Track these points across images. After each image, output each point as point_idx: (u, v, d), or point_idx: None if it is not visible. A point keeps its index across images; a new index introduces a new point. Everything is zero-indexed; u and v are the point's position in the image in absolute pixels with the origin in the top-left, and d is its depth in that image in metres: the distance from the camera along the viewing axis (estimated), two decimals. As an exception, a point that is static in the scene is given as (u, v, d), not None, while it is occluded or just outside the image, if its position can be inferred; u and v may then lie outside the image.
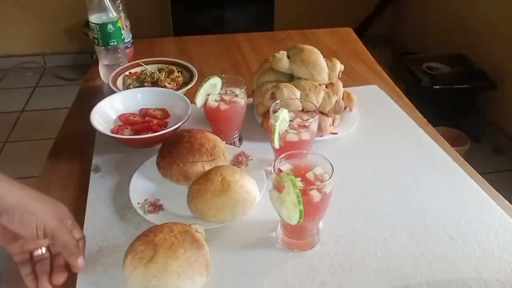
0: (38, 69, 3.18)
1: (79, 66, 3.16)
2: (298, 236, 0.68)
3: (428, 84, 2.32)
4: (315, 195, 0.61)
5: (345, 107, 0.99)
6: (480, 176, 0.84)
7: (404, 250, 0.68)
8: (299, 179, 0.64)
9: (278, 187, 0.61)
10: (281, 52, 0.96)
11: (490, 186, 0.81)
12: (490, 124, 2.44)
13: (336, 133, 0.94)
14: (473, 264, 0.66)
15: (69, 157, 0.92)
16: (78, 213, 0.76)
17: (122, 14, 1.18)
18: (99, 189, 0.81)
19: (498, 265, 0.65)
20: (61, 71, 3.13)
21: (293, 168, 0.66)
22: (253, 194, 0.72)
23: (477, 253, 0.67)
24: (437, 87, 2.30)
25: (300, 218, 0.58)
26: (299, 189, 0.58)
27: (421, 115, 1.05)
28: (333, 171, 0.62)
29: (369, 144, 0.93)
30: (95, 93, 1.16)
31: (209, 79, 0.85)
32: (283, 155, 0.66)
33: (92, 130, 0.93)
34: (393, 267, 0.65)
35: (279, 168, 0.65)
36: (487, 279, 0.63)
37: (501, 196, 0.79)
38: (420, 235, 0.70)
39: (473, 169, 0.86)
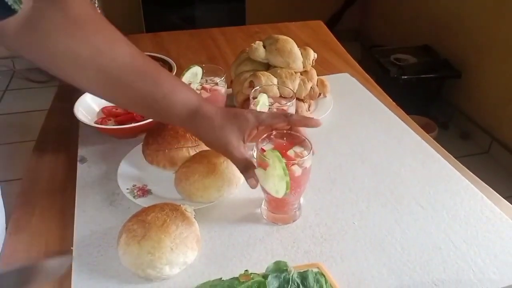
0: (7, 72, 3.12)
1: (50, 68, 3.12)
2: (281, 210, 0.72)
3: (397, 75, 2.41)
4: (297, 169, 0.66)
5: (319, 94, 1.04)
6: (446, 151, 0.90)
7: (380, 219, 0.73)
8: None
9: (263, 165, 0.66)
10: (257, 42, 1.00)
11: (455, 160, 0.88)
12: (456, 111, 2.56)
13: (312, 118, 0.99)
14: (442, 229, 0.72)
15: (54, 150, 0.93)
16: (68, 201, 0.78)
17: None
18: (87, 178, 0.83)
19: (464, 228, 0.72)
20: (31, 74, 3.08)
21: (274, 147, 0.70)
22: (237, 174, 0.76)
23: (446, 219, 0.74)
24: (405, 77, 2.40)
25: (287, 189, 0.62)
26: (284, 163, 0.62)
27: (390, 99, 1.11)
28: (311, 146, 0.67)
29: (343, 126, 0.99)
30: (74, 89, 1.17)
31: (190, 68, 0.88)
32: (264, 135, 0.70)
33: (75, 124, 0.96)
34: (370, 235, 0.70)
35: (262, 148, 0.69)
36: (455, 240, 0.69)
37: (466, 168, 0.86)
38: (393, 205, 0.76)
39: (439, 145, 0.92)
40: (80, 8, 0.60)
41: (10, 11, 0.53)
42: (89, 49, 0.60)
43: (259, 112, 0.72)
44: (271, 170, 0.64)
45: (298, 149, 0.70)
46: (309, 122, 0.70)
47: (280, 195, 0.64)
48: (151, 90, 0.64)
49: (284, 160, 0.62)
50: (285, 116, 0.70)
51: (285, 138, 0.72)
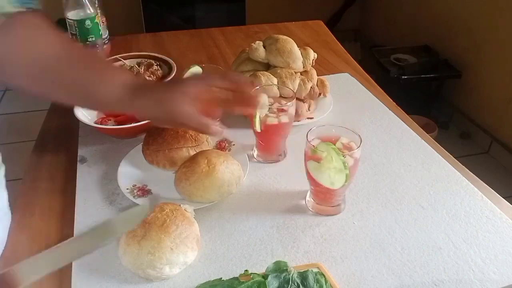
0: (7, 72, 3.12)
1: (50, 68, 3.12)
2: (329, 202, 0.74)
3: (397, 75, 2.41)
4: (349, 161, 0.67)
5: (319, 94, 1.04)
6: (445, 151, 0.90)
7: (380, 219, 0.73)
8: None
9: (314, 158, 0.67)
10: (257, 42, 1.00)
11: (455, 160, 0.88)
12: (456, 111, 2.56)
13: (312, 118, 0.99)
14: (442, 229, 0.72)
15: (54, 150, 0.93)
16: (68, 201, 0.78)
17: (99, 10, 1.20)
18: (86, 178, 0.83)
19: (464, 228, 0.72)
20: (31, 74, 3.08)
21: (323, 140, 0.71)
22: (237, 174, 0.76)
23: (446, 219, 0.74)
24: (405, 77, 2.40)
25: (346, 181, 0.65)
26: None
27: (390, 99, 1.11)
28: (361, 140, 0.69)
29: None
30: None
31: (190, 68, 0.88)
32: (312, 128, 0.71)
33: (75, 124, 0.96)
34: (370, 234, 0.70)
35: (309, 141, 0.70)
36: (455, 240, 0.69)
37: (465, 168, 0.86)
38: (393, 205, 0.76)
39: (439, 145, 0.92)
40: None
41: None
42: (17, 44, 0.61)
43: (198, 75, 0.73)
44: (326, 163, 0.66)
45: (344, 140, 0.72)
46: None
47: (336, 186, 0.67)
48: (84, 75, 0.64)
49: (341, 153, 0.64)
50: (222, 74, 0.70)
51: (332, 131, 0.73)
